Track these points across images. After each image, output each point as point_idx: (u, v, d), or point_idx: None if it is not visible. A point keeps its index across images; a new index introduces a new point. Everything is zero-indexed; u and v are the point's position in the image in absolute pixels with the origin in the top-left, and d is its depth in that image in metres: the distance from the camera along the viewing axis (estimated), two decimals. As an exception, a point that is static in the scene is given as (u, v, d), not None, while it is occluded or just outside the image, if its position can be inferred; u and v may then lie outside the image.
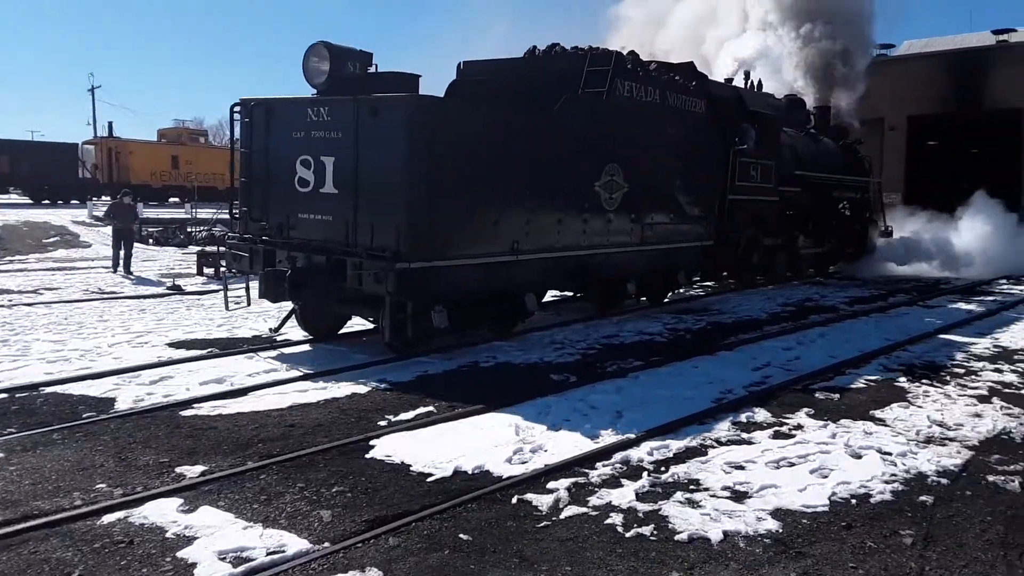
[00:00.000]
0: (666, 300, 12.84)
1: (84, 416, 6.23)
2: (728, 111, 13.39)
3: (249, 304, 9.21)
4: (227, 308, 9.39)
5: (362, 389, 7.12)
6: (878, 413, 6.70)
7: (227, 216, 10.57)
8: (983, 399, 7.24)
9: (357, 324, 9.72)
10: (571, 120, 9.57)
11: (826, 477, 5.16)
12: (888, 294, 15.09)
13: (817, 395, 7.30)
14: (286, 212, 8.67)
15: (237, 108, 9.20)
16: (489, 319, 9.23)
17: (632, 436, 5.81)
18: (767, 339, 10.09)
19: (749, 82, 15.68)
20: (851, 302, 13.89)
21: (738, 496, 4.84)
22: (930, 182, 27.52)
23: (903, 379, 7.97)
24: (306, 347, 8.96)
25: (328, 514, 4.45)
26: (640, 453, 5.53)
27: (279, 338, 9.30)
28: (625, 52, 10.89)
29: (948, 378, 8.06)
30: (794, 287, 15.92)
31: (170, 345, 8.94)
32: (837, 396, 7.28)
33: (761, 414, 6.60)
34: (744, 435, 6.06)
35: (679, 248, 12.04)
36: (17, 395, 6.79)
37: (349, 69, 8.58)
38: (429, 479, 5.01)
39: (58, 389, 7.01)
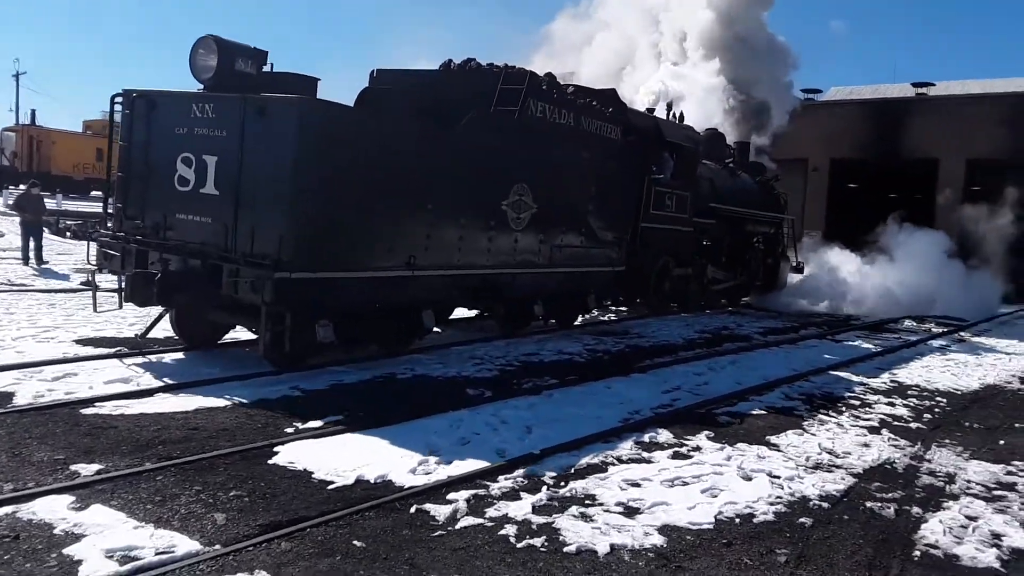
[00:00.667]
0: (576, 324, 12.84)
1: (-22, 410, 6.05)
2: (646, 140, 13.62)
3: (121, 307, 8.59)
4: (95, 310, 8.77)
5: (272, 395, 7.09)
6: (773, 439, 7.01)
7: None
8: (873, 430, 7.64)
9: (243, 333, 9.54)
10: (478, 136, 9.41)
11: (715, 497, 5.39)
12: (800, 327, 15.70)
13: (719, 419, 7.59)
14: (163, 211, 8.22)
15: (119, 99, 8.73)
16: (382, 335, 8.94)
17: (536, 452, 5.94)
18: (680, 364, 10.41)
19: (671, 114, 16.04)
20: (765, 332, 14.42)
21: (630, 512, 5.02)
22: (850, 222, 28.79)
23: (801, 408, 8.35)
24: (218, 351, 8.83)
25: (222, 517, 4.44)
26: (542, 468, 5.67)
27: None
28: (542, 74, 10.93)
29: (843, 409, 8.47)
30: (712, 316, 16.43)
31: (77, 342, 8.71)
32: (737, 421, 7.58)
33: (664, 435, 6.82)
34: (645, 454, 6.26)
35: (589, 272, 12.03)
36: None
37: (239, 66, 8.23)
38: (330, 487, 5.04)
39: (-47, 382, 6.77)
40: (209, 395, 6.93)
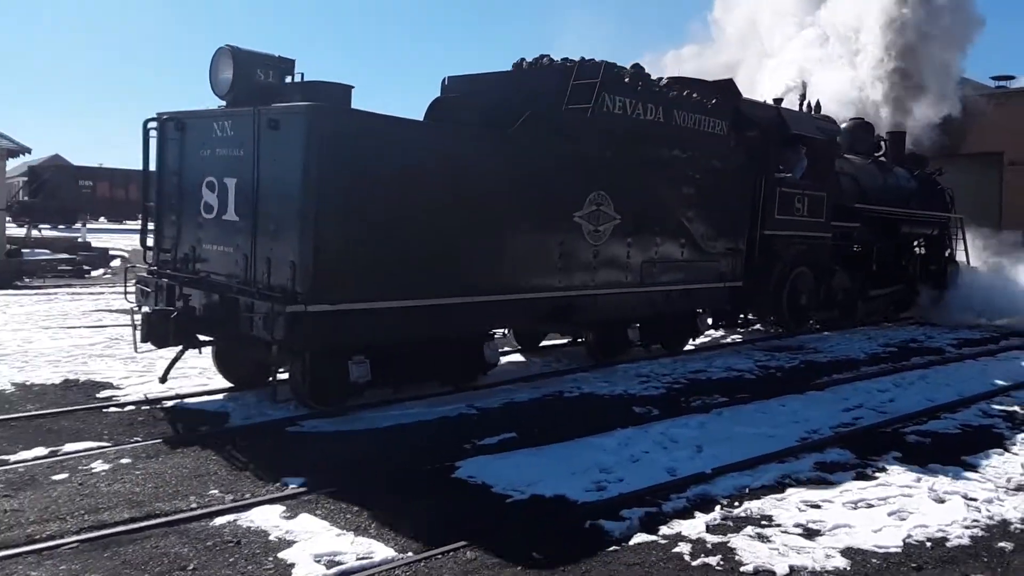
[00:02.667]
0: (688, 348, 11.54)
1: (201, 428, 6.84)
2: (765, 134, 12.10)
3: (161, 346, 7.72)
4: (136, 350, 7.70)
5: (451, 413, 7.49)
6: (969, 459, 6.55)
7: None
8: (1088, 450, 6.95)
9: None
10: (540, 140, 8.32)
11: (904, 520, 5.14)
12: (1000, 337, 14.40)
13: (907, 438, 7.18)
14: (192, 242, 7.68)
15: (152, 123, 8.06)
16: (436, 371, 7.97)
17: (708, 471, 5.92)
18: (862, 380, 9.90)
19: (805, 102, 14.30)
20: (959, 344, 13.36)
21: (810, 533, 4.90)
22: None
23: (1002, 425, 7.72)
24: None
25: (412, 527, 4.79)
26: (715, 488, 5.64)
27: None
28: (629, 66, 9.69)
29: (1052, 426, 7.75)
30: (898, 328, 15.40)
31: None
32: (928, 440, 7.14)
33: (846, 455, 6.56)
34: (825, 475, 6.06)
35: (695, 290, 10.64)
36: (143, 407, 7.50)
37: (259, 77, 7.58)
38: (507, 500, 5.30)
39: (179, 403, 7.69)
40: (395, 413, 7.42)
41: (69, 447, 6.22)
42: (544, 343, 11.35)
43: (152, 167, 8.16)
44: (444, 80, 9.85)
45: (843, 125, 15.97)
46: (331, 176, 6.71)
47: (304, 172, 6.63)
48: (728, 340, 12.75)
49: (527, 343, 11.00)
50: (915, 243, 17.15)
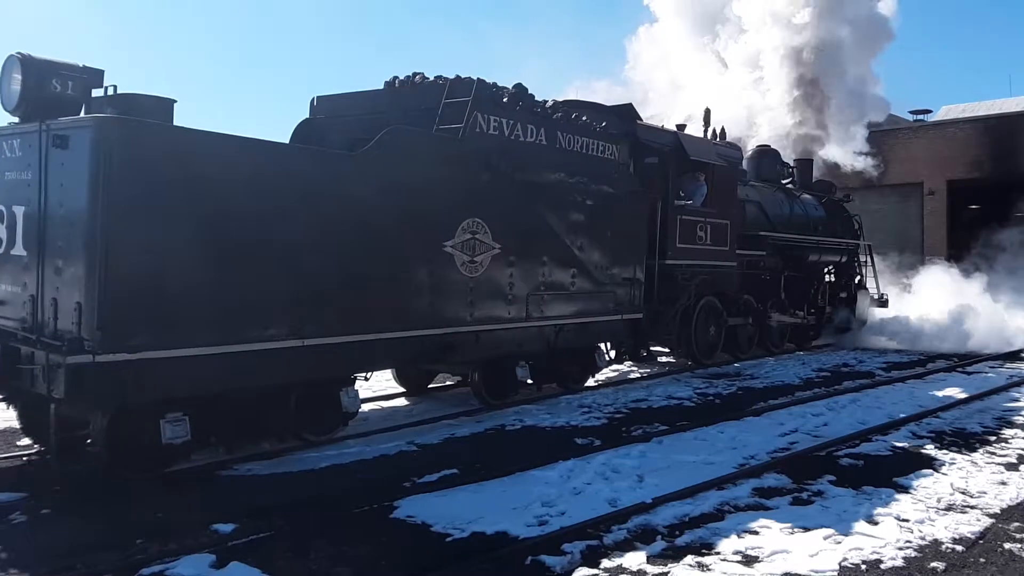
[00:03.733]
0: (589, 384, 10.91)
1: (127, 475, 6.55)
2: (663, 160, 11.74)
3: None
4: None
5: (391, 451, 7.36)
6: (901, 480, 6.70)
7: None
8: (1011, 467, 7.19)
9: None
10: (400, 163, 7.57)
11: (839, 543, 5.21)
12: (927, 360, 14.92)
13: (841, 461, 7.32)
14: None
15: None
16: (279, 424, 7.02)
17: (648, 501, 5.92)
18: (797, 405, 10.10)
19: (710, 129, 14.07)
20: (888, 368, 13.79)
21: (748, 560, 4.93)
22: (973, 246, 27.15)
23: (931, 446, 7.94)
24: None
25: (349, 571, 4.67)
26: (656, 518, 5.64)
27: None
28: (511, 86, 9.20)
29: (977, 445, 8.00)
30: (831, 353, 15.83)
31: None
32: (861, 463, 7.30)
33: (782, 480, 6.65)
34: (762, 500, 6.13)
35: (590, 323, 10.06)
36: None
37: (55, 88, 6.37)
38: (447, 539, 5.20)
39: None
40: (332, 453, 7.25)
41: (-16, 499, 5.90)
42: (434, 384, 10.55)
43: None
44: (312, 100, 9.40)
45: (748, 152, 16.03)
46: (129, 201, 5.81)
47: (91, 196, 5.73)
48: (637, 375, 12.47)
49: (412, 386, 10.20)
50: (824, 270, 17.22)
